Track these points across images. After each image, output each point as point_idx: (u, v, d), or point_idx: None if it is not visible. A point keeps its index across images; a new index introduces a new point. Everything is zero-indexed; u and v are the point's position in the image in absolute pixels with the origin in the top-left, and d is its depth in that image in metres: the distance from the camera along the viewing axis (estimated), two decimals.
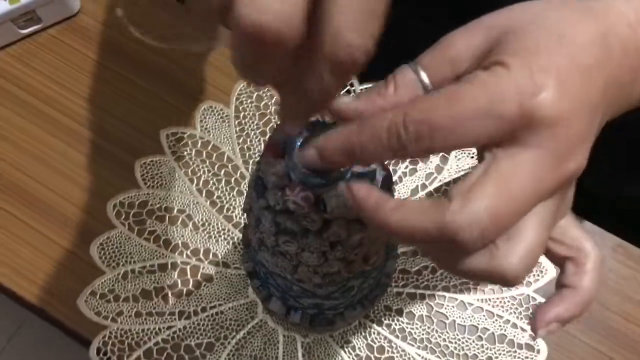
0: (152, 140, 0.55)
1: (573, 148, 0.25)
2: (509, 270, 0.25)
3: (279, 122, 0.26)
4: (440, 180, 0.54)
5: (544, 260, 0.52)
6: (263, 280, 0.42)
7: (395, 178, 0.55)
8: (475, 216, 0.23)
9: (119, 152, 0.55)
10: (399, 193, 0.54)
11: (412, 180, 0.54)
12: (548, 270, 0.52)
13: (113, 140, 0.55)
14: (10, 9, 0.54)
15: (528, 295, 0.51)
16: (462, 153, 0.55)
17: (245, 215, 0.35)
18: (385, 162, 0.31)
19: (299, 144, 0.27)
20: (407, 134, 0.24)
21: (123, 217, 0.53)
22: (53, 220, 0.53)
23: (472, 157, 0.55)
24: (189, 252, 0.52)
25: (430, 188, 0.54)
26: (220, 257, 0.52)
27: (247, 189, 0.41)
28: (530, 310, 0.51)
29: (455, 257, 0.25)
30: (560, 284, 0.30)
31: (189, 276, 0.52)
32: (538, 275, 0.52)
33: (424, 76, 0.26)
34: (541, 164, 0.24)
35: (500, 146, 0.24)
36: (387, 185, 0.30)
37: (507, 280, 0.25)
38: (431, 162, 0.55)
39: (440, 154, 0.55)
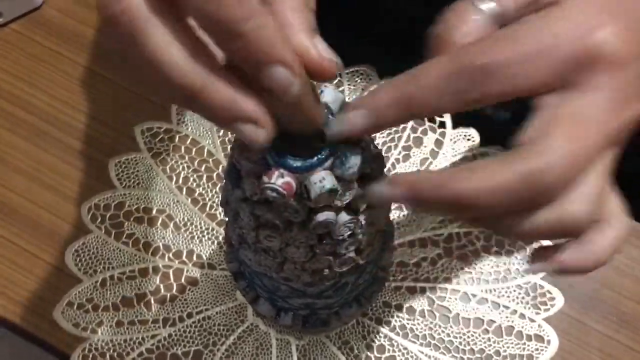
0: (126, 137, 0.52)
1: (637, 87, 0.23)
2: (579, 213, 0.23)
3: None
4: (436, 166, 0.51)
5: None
6: (249, 281, 0.38)
7: (388, 165, 0.51)
8: (557, 159, 0.22)
9: (91, 151, 0.51)
10: None
11: (406, 167, 0.51)
12: None
13: (84, 138, 0.52)
14: None
15: (535, 283, 0.48)
16: (458, 136, 0.52)
17: (223, 210, 0.32)
18: (376, 140, 0.27)
19: None
20: (462, 78, 0.22)
21: (99, 220, 0.49)
22: (22, 227, 0.49)
23: (469, 140, 0.52)
24: (171, 255, 0.49)
25: None
26: (204, 258, 0.49)
27: None
28: (539, 299, 0.47)
29: (522, 217, 0.23)
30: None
31: (172, 280, 0.48)
32: None
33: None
34: (604, 108, 0.23)
35: (557, 92, 0.23)
36: (379, 165, 0.27)
37: (579, 224, 0.24)
38: (425, 146, 0.52)
39: (435, 137, 0.51)
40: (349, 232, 0.27)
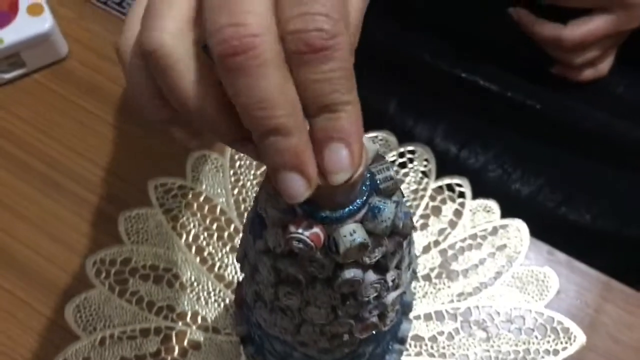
0: (139, 191, 0.50)
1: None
2: (578, 62, 0.52)
3: None
4: (455, 236, 0.49)
5: (572, 325, 0.46)
6: (258, 346, 0.36)
7: None
8: (576, 37, 0.50)
9: (103, 204, 0.50)
10: None
11: (424, 235, 0.50)
12: (577, 337, 0.46)
13: (96, 191, 0.51)
14: None
15: None
16: (478, 207, 0.51)
17: (239, 266, 0.31)
18: (405, 202, 0.26)
19: None
20: None
21: (103, 275, 0.48)
22: (24, 278, 0.47)
23: (488, 211, 0.50)
24: (174, 316, 0.47)
25: (444, 245, 0.49)
26: (209, 321, 0.46)
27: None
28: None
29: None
30: None
31: (174, 343, 0.46)
32: (566, 342, 0.46)
33: None
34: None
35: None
36: (409, 223, 0.25)
37: (563, 41, 0.50)
38: (444, 216, 0.50)
39: (455, 207, 0.50)
40: (374, 294, 0.25)
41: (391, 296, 0.27)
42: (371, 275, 0.25)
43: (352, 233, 0.22)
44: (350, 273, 0.24)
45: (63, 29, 0.55)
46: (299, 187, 0.21)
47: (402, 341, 0.37)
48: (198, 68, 0.22)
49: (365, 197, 0.23)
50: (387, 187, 0.24)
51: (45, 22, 0.51)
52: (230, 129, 0.22)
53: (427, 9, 0.55)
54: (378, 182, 0.24)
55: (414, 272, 0.29)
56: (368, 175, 0.24)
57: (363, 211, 0.23)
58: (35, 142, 0.52)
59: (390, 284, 0.26)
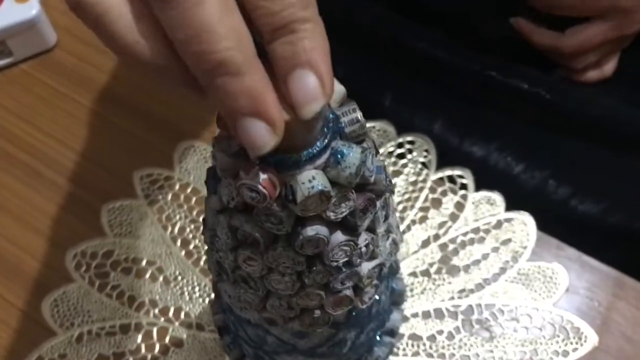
0: (125, 182, 0.48)
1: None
2: (579, 65, 0.52)
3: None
4: (456, 230, 0.46)
5: (583, 325, 0.43)
6: (234, 336, 0.33)
7: (403, 227, 0.47)
8: (573, 45, 0.50)
9: (86, 195, 0.48)
10: (407, 244, 0.46)
11: (423, 229, 0.46)
12: (588, 337, 0.42)
13: (81, 182, 0.49)
14: None
15: None
16: (481, 200, 0.47)
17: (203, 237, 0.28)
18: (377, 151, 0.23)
19: None
20: None
21: (84, 268, 0.45)
22: (2, 271, 0.45)
23: (492, 205, 0.47)
24: (156, 311, 0.44)
25: (445, 239, 0.46)
26: (193, 317, 0.44)
27: None
28: None
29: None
30: None
31: (155, 340, 0.43)
32: (577, 342, 0.42)
33: None
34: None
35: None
36: (383, 177, 0.22)
37: (561, 49, 0.51)
38: (446, 208, 0.47)
39: (456, 199, 0.47)
40: (344, 259, 0.22)
41: (366, 266, 0.24)
42: (339, 236, 0.22)
43: (311, 180, 0.20)
44: (312, 230, 0.21)
45: (52, 19, 0.54)
46: (262, 135, 0.18)
47: (393, 333, 0.34)
48: (132, 10, 0.19)
49: (327, 141, 0.20)
50: (354, 130, 0.21)
51: (32, 9, 0.50)
52: (182, 71, 0.19)
53: None
54: (343, 125, 0.21)
55: (395, 243, 0.26)
56: (332, 117, 0.21)
57: (325, 156, 0.20)
58: (19, 132, 0.51)
59: (364, 249, 0.23)
